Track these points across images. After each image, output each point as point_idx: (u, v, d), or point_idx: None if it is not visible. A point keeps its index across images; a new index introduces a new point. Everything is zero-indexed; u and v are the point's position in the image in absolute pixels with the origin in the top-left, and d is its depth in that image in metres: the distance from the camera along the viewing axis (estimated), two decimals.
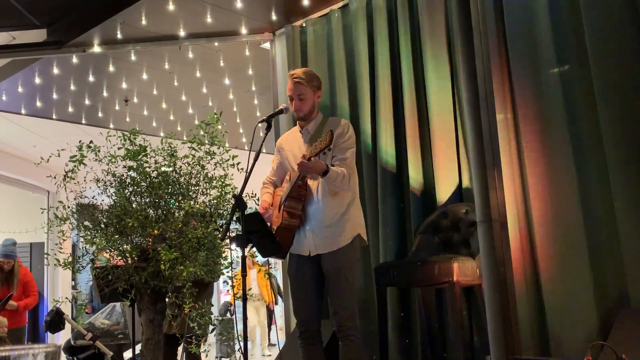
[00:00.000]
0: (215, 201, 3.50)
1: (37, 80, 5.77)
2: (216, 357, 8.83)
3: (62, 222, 3.44)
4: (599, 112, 3.05)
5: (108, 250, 3.40)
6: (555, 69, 3.27)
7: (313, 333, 3.08)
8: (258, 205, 3.43)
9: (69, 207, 3.47)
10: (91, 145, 3.47)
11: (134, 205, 3.43)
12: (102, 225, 3.41)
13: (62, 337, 7.52)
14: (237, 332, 2.95)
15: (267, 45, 5.24)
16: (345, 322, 2.95)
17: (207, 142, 3.52)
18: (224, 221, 3.44)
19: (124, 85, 6.11)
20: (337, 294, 2.99)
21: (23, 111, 6.58)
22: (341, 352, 2.98)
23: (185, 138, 3.63)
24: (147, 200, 3.43)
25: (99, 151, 3.46)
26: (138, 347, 3.87)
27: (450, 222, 3.77)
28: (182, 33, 4.96)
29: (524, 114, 3.35)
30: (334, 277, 3.00)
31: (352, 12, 4.48)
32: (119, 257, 3.42)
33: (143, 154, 3.46)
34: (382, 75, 4.24)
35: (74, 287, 10.34)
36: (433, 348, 3.84)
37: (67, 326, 4.14)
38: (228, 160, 3.53)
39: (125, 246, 3.37)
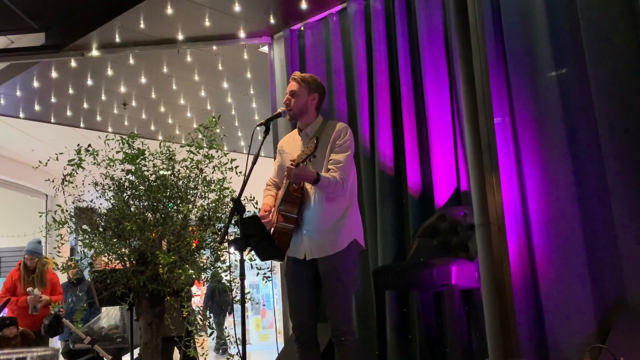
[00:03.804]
0: (213, 204, 3.51)
1: (36, 84, 5.77)
2: None
3: (61, 226, 3.44)
4: (596, 115, 3.05)
5: (106, 254, 3.40)
6: (553, 71, 3.28)
7: (309, 337, 3.06)
8: (257, 208, 3.43)
9: (67, 210, 3.47)
10: (89, 149, 3.47)
11: (132, 209, 3.43)
12: (101, 229, 3.41)
13: None
14: (235, 336, 2.93)
15: (265, 49, 5.24)
16: (340, 326, 2.93)
17: (205, 145, 3.52)
18: (222, 225, 3.44)
19: (123, 89, 6.11)
20: (332, 298, 2.97)
21: (21, 115, 6.58)
22: (337, 357, 2.97)
23: (183, 141, 3.63)
24: (146, 203, 3.43)
25: (97, 155, 3.47)
26: (136, 351, 3.86)
27: (448, 225, 3.77)
28: (180, 36, 4.96)
29: (522, 116, 3.36)
30: (329, 280, 2.99)
31: (350, 16, 4.48)
32: (117, 261, 3.42)
33: (141, 157, 3.46)
34: (380, 78, 4.24)
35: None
36: (432, 351, 3.84)
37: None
38: (226, 163, 3.53)
39: (123, 250, 3.37)
